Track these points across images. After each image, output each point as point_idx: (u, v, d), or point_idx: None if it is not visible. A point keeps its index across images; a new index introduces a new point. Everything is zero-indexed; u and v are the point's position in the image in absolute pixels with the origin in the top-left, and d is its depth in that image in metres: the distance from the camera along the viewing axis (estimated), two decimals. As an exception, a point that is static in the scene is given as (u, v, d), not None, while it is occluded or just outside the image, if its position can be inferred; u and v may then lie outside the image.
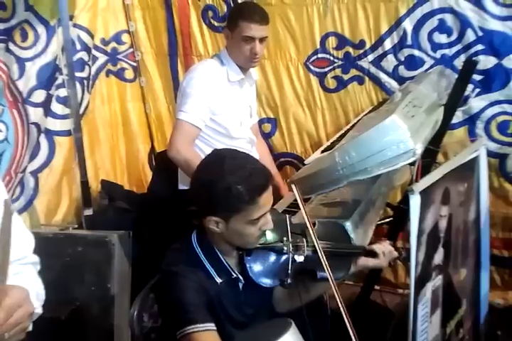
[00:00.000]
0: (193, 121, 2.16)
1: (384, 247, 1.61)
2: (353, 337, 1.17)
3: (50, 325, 1.79)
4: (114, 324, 2.18)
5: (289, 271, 1.40)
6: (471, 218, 2.01)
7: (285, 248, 1.43)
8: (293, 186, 1.44)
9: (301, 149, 2.92)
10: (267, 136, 2.93)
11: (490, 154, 2.28)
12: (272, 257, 1.45)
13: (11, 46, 2.49)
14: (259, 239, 1.42)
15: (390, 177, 2.07)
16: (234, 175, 1.32)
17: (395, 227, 2.03)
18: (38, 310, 1.04)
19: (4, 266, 0.87)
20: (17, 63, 2.51)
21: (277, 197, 2.07)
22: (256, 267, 1.42)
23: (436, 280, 1.75)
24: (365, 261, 1.58)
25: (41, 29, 2.58)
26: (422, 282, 1.63)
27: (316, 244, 1.40)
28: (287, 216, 1.49)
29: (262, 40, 2.20)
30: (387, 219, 2.15)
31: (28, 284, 1.01)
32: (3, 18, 2.43)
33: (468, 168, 1.93)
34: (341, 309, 1.22)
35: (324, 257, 1.37)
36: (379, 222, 2.08)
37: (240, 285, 1.46)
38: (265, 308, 1.55)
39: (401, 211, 2.02)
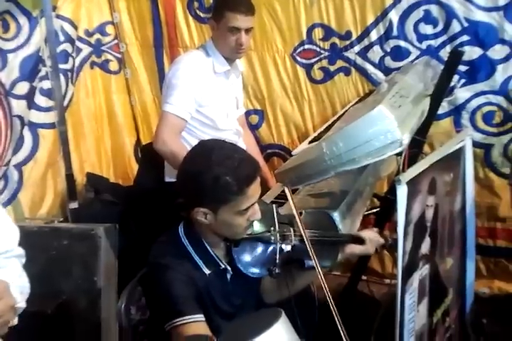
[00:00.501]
0: (178, 113, 2.15)
1: (370, 233, 1.62)
2: (339, 327, 1.17)
3: (36, 319, 1.77)
4: (101, 317, 2.17)
5: (277, 261, 1.40)
6: (456, 208, 2.03)
7: (272, 237, 1.43)
8: (286, 189, 1.44)
9: (288, 140, 2.92)
10: (254, 128, 2.92)
11: (475, 144, 2.30)
12: (260, 247, 1.44)
13: (-7, 37, 2.45)
14: (248, 229, 1.41)
15: (376, 167, 2.08)
16: (221, 165, 1.31)
17: (382, 217, 2.04)
18: (22, 303, 1.03)
19: None
20: (-1, 55, 2.48)
21: (264, 188, 2.07)
22: (244, 257, 1.42)
23: (423, 270, 1.76)
24: (352, 248, 1.59)
25: (23, 20, 2.53)
26: (409, 271, 1.64)
27: (302, 232, 1.40)
28: (274, 206, 1.49)
29: (247, 30, 2.20)
30: (374, 210, 2.16)
31: (11, 278, 1.00)
32: (-16, 9, 2.38)
33: (454, 158, 1.94)
34: (328, 298, 1.22)
35: (311, 246, 1.37)
36: (366, 213, 2.09)
37: (228, 276, 1.46)
38: (253, 299, 1.55)
39: (388, 201, 2.02)
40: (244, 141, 2.52)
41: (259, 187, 1.40)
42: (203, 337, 0.96)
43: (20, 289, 1.03)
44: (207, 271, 1.41)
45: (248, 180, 1.33)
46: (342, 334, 1.15)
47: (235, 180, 1.31)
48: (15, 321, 0.98)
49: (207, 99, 2.24)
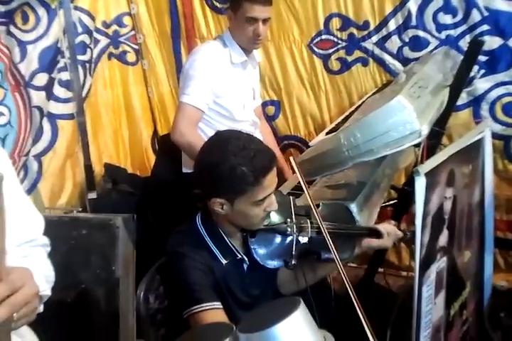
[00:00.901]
0: (196, 104, 2.16)
1: (388, 227, 1.61)
2: (360, 315, 1.17)
3: (56, 308, 1.79)
4: (119, 306, 2.19)
5: (293, 252, 1.40)
6: (475, 200, 2.01)
7: (289, 229, 1.43)
8: (291, 159, 1.42)
9: (304, 132, 2.91)
10: (270, 119, 2.92)
11: (494, 136, 2.27)
12: (277, 238, 1.44)
13: (12, 29, 2.47)
14: (264, 220, 1.42)
15: (394, 159, 2.06)
16: (238, 156, 1.32)
17: (400, 209, 2.03)
18: (47, 292, 1.04)
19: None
20: (18, 46, 2.49)
21: (281, 180, 2.07)
22: (260, 248, 1.42)
23: (441, 262, 1.75)
24: (369, 242, 1.58)
25: (42, 12, 2.55)
26: (426, 263, 1.63)
27: (320, 224, 1.40)
28: (291, 197, 1.49)
29: (265, 21, 2.19)
30: (392, 202, 2.15)
31: (36, 267, 1.01)
32: (3, 1, 2.40)
33: (473, 150, 1.92)
34: (348, 287, 1.22)
35: (329, 238, 1.37)
36: (383, 205, 2.08)
37: (245, 266, 1.47)
38: (271, 289, 1.55)
39: (405, 193, 2.01)
40: (261, 132, 2.52)
41: (276, 178, 1.40)
42: (226, 325, 0.97)
43: (45, 277, 1.04)
44: (224, 261, 1.42)
45: (264, 171, 1.33)
46: (364, 322, 1.14)
47: (251, 171, 1.31)
48: (40, 308, 1.00)
49: (224, 90, 2.24)
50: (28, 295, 0.86)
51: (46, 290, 1.03)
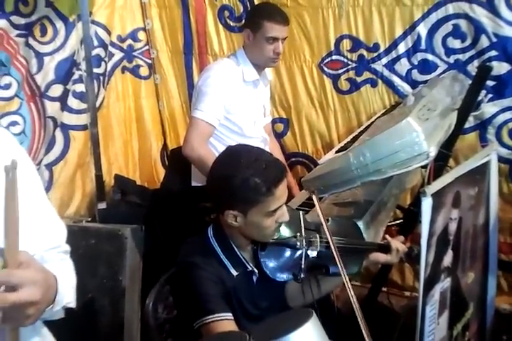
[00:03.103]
0: (208, 120, 2.20)
1: (397, 243, 1.63)
2: (363, 331, 1.19)
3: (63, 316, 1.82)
4: (124, 316, 2.21)
5: (302, 266, 1.43)
6: (480, 222, 2.03)
7: (299, 243, 1.46)
8: (313, 196, 1.46)
9: (312, 149, 2.94)
10: (279, 136, 2.95)
11: (500, 160, 2.29)
12: (286, 252, 1.47)
13: (31, 41, 2.53)
14: (276, 232, 1.44)
15: (401, 179, 2.09)
16: (250, 168, 1.35)
17: (405, 229, 2.05)
18: (72, 304, 1.03)
19: (13, 235, 0.84)
20: (36, 58, 2.56)
21: (289, 196, 2.10)
22: (270, 261, 1.45)
23: (445, 282, 1.77)
24: (376, 257, 1.61)
25: (60, 25, 2.62)
26: (430, 283, 1.66)
27: (329, 238, 1.43)
28: (301, 212, 1.52)
29: (283, 40, 2.25)
30: (398, 221, 2.17)
31: (70, 275, 1.03)
32: (24, 14, 2.46)
33: (479, 173, 1.95)
34: (352, 301, 1.24)
35: (337, 252, 1.40)
36: (389, 224, 2.11)
37: (254, 278, 1.49)
38: (279, 302, 1.57)
39: (411, 213, 2.04)
40: (270, 149, 2.55)
41: (287, 189, 1.43)
42: (240, 333, 0.98)
43: (73, 289, 1.05)
44: (234, 273, 1.44)
45: (276, 181, 1.37)
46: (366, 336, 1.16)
47: (264, 181, 1.35)
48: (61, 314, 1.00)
49: (235, 107, 2.28)
50: (21, 300, 0.82)
51: (71, 302, 1.02)
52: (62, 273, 0.99)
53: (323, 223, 1.43)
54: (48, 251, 1.05)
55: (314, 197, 1.43)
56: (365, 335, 1.16)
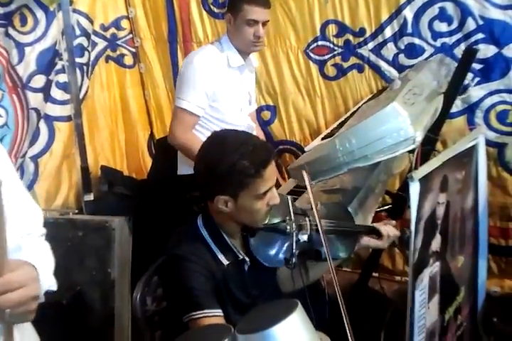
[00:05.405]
0: (192, 109, 2.18)
1: (389, 228, 1.63)
2: (344, 320, 1.19)
3: (51, 310, 1.80)
4: (114, 308, 2.20)
5: (294, 251, 1.42)
6: (468, 206, 2.03)
7: (288, 227, 1.44)
8: (304, 173, 1.44)
9: (300, 137, 2.93)
10: (266, 124, 2.93)
11: (489, 143, 2.30)
12: (276, 237, 1.45)
13: (11, 31, 2.47)
14: (267, 216, 1.43)
15: (389, 164, 2.08)
16: (237, 151, 1.34)
17: (394, 214, 2.05)
18: (54, 287, 1.04)
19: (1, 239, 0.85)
20: (16, 48, 2.50)
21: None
22: (260, 247, 1.43)
23: (434, 267, 1.76)
24: (367, 241, 1.61)
25: (40, 14, 2.56)
26: (419, 268, 1.65)
27: (317, 221, 1.41)
28: (289, 197, 1.50)
29: (264, 23, 2.23)
30: (386, 207, 2.17)
31: (47, 259, 1.03)
32: (3, 2, 2.41)
33: (467, 156, 1.94)
34: (336, 290, 1.23)
35: (326, 235, 1.39)
36: (377, 209, 2.10)
37: (246, 266, 1.47)
38: (270, 288, 1.55)
39: (399, 198, 2.04)
40: (256, 137, 2.53)
41: (275, 171, 1.41)
42: (224, 326, 0.98)
43: (51, 268, 1.06)
44: (225, 262, 1.42)
45: (264, 163, 1.36)
46: (347, 328, 1.16)
47: (252, 163, 1.34)
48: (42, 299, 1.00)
49: (220, 94, 2.26)
50: (24, 296, 0.86)
51: (53, 285, 1.04)
52: (41, 260, 1.00)
53: (312, 203, 1.41)
54: (24, 237, 1.04)
55: (305, 175, 1.41)
56: (344, 320, 1.14)
